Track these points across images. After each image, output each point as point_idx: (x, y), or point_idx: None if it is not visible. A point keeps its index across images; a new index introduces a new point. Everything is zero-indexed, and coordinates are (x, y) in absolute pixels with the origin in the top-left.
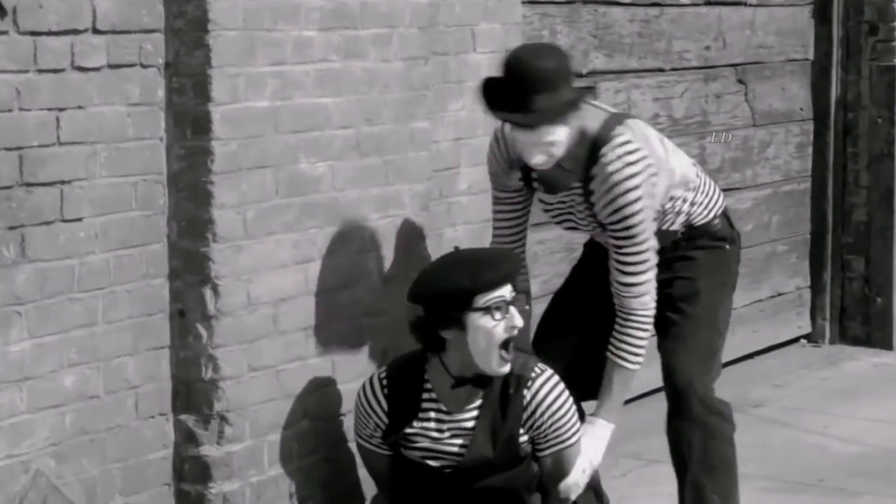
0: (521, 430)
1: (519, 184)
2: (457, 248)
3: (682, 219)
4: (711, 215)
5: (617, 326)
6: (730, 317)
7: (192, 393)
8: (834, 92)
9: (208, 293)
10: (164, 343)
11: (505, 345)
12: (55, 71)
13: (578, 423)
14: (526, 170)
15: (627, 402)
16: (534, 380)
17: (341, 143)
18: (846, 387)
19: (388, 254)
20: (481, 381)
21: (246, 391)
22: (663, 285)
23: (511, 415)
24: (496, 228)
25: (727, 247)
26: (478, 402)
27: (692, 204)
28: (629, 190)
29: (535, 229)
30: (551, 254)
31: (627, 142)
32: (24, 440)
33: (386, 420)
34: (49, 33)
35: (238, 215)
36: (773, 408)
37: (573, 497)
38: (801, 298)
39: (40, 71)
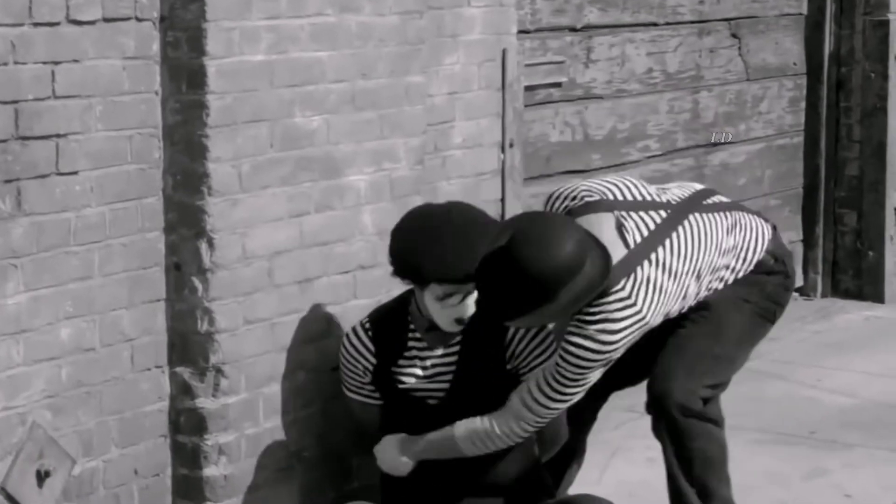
0: (506, 358)
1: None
2: (451, 207)
3: (728, 276)
4: (755, 258)
5: (497, 413)
6: (748, 337)
7: (187, 345)
8: (827, 46)
9: (203, 246)
10: (159, 296)
11: (453, 321)
12: (50, 24)
13: (554, 346)
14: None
15: None
16: None
17: (336, 97)
18: (838, 340)
19: (383, 207)
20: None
21: (241, 344)
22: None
23: (493, 348)
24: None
25: (766, 276)
26: (458, 338)
27: (733, 270)
28: (576, 359)
29: (529, 183)
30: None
31: (624, 299)
32: (21, 392)
33: (374, 361)
34: None
35: (233, 169)
36: (766, 361)
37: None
38: (794, 252)
39: (35, 24)
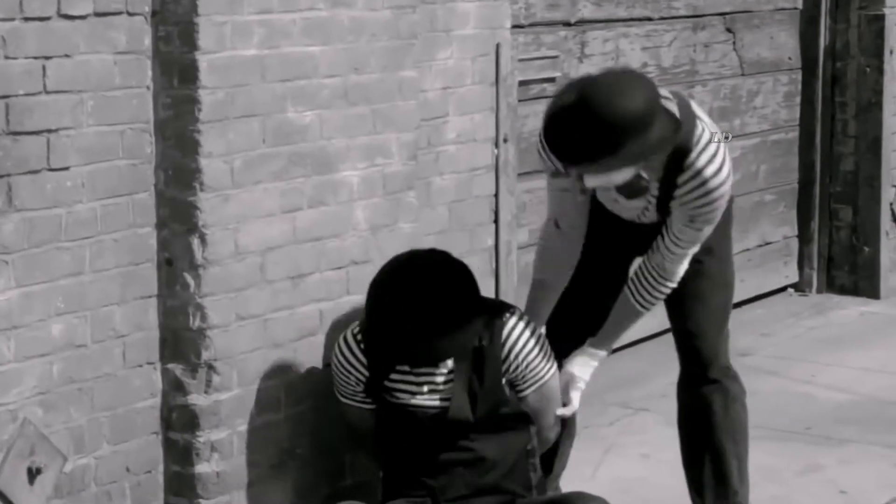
0: (503, 381)
1: (574, 183)
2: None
3: None
4: None
5: (643, 272)
6: (734, 273)
7: (179, 342)
8: (822, 41)
9: (195, 242)
10: (151, 292)
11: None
12: (41, 19)
13: (552, 357)
14: None
15: (615, 350)
16: (502, 328)
17: (329, 92)
18: (833, 335)
19: (376, 203)
20: None
21: (233, 340)
22: None
23: (488, 369)
24: (560, 209)
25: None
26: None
27: None
28: (720, 184)
29: (523, 178)
30: (540, 203)
31: (709, 142)
32: (12, 389)
33: (366, 373)
34: None
35: (225, 164)
36: (761, 357)
37: (570, 411)
38: (789, 247)
39: (26, 19)
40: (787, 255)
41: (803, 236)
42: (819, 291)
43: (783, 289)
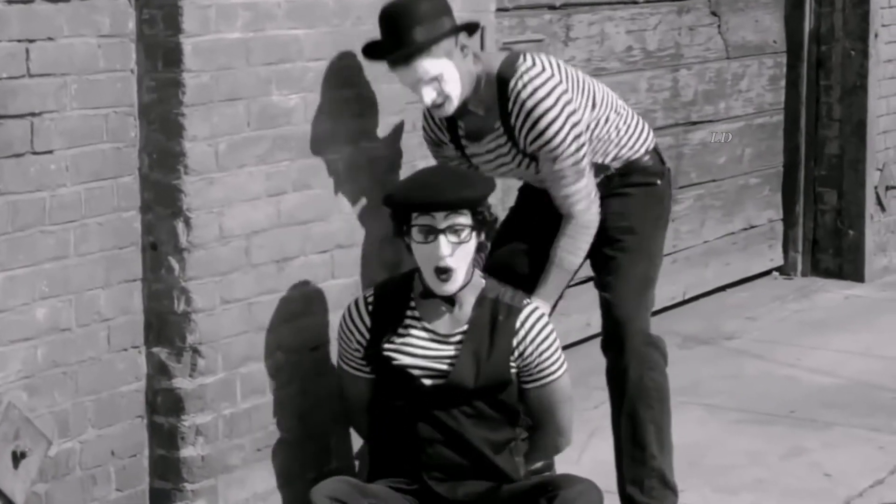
0: (511, 358)
1: (455, 153)
2: (444, 161)
3: (612, 150)
4: (643, 149)
5: (561, 229)
6: (663, 251)
7: (164, 325)
8: (807, 24)
9: (180, 226)
10: (136, 276)
11: (437, 271)
12: (24, 2)
13: (564, 359)
14: (454, 133)
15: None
16: (523, 310)
17: (314, 76)
18: (818, 319)
19: (361, 186)
20: (448, 299)
21: (218, 324)
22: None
23: (500, 342)
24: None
25: (659, 182)
26: (464, 327)
27: (619, 131)
28: (545, 111)
29: None
30: None
31: (530, 67)
32: None
33: (368, 336)
34: None
35: (210, 147)
36: (746, 340)
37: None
38: (774, 231)
39: (9, 2)
40: (772, 238)
41: (788, 220)
42: (804, 275)
43: (768, 272)
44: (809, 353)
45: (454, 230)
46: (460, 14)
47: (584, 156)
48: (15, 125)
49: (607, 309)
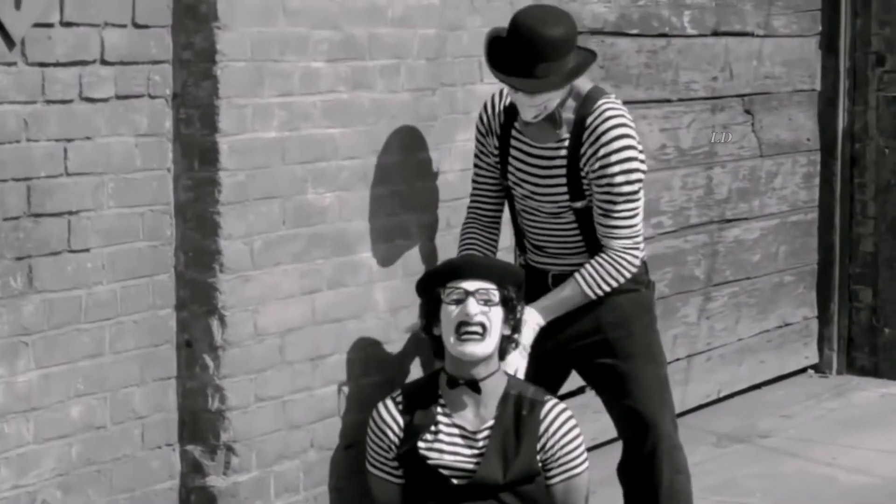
0: (537, 450)
1: (495, 152)
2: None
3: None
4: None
5: (595, 258)
6: (663, 353)
7: (198, 423)
8: (841, 122)
9: (215, 323)
10: (170, 373)
11: (458, 327)
12: (63, 102)
13: (586, 454)
14: (508, 125)
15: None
16: (545, 403)
17: (349, 174)
18: (854, 417)
19: (395, 284)
20: (473, 385)
21: (252, 421)
22: (592, 333)
23: (526, 436)
24: (475, 194)
25: (643, 290)
26: (490, 423)
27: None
28: (621, 136)
29: None
30: None
31: (609, 110)
32: (31, 471)
33: (400, 435)
34: (57, 64)
35: (245, 246)
36: (781, 438)
37: (513, 371)
38: (809, 328)
39: (48, 102)
40: (807, 335)
41: (823, 317)
42: (839, 373)
43: (803, 370)
44: (845, 451)
45: (483, 295)
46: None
47: (638, 197)
48: (52, 223)
49: (631, 417)
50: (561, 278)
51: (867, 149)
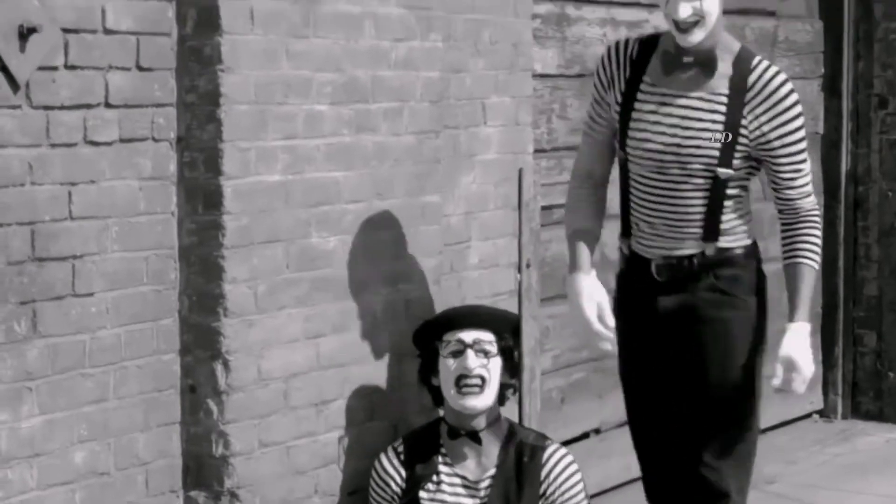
0: (539, 495)
1: (616, 106)
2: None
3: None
4: (749, 238)
5: (792, 231)
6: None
7: (202, 469)
8: (844, 165)
9: (219, 368)
10: (174, 419)
11: (457, 380)
12: (67, 145)
13: (588, 500)
14: (635, 77)
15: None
16: (546, 449)
17: (352, 218)
18: (859, 463)
19: (400, 328)
20: (474, 437)
21: (256, 467)
22: (690, 339)
23: (527, 484)
24: (586, 154)
25: (755, 298)
26: (491, 472)
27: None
28: (795, 102)
29: (546, 304)
30: (563, 328)
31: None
32: None
33: (403, 486)
34: (62, 108)
35: (249, 290)
36: (786, 484)
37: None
38: (813, 373)
39: (53, 145)
40: (812, 381)
41: (827, 362)
42: (844, 417)
43: (808, 415)
44: (851, 497)
45: (481, 346)
46: (499, 156)
47: (807, 154)
48: (56, 267)
49: (699, 474)
50: (664, 269)
51: (870, 192)
